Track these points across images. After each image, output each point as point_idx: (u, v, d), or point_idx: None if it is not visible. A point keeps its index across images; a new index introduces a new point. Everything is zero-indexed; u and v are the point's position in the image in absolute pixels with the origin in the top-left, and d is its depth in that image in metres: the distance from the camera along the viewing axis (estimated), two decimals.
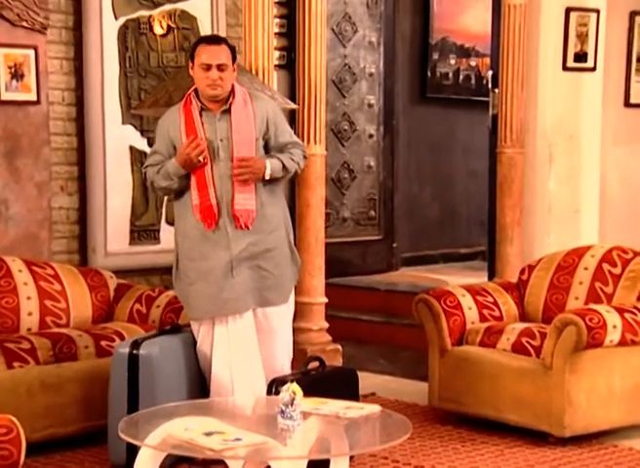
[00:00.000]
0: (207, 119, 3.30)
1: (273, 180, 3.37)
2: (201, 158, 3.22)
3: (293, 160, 3.40)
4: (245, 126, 3.30)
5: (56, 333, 3.70)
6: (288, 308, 3.49)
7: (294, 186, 4.79)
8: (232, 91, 3.33)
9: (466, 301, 4.02)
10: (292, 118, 4.59)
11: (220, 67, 3.26)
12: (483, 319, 4.02)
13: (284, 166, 3.36)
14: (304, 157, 3.47)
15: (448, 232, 7.02)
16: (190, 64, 3.34)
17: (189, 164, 3.25)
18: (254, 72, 4.27)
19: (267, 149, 3.41)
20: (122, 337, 3.69)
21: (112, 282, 4.10)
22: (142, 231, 4.99)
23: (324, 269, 4.66)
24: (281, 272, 3.39)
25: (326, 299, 4.72)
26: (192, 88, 3.36)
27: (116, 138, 4.83)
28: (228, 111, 3.30)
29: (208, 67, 3.26)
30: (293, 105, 4.44)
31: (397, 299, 5.57)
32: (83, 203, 4.78)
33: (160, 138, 3.40)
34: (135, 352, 3.31)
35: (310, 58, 4.55)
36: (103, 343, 3.69)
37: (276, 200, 3.42)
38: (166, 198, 5.03)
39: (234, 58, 3.35)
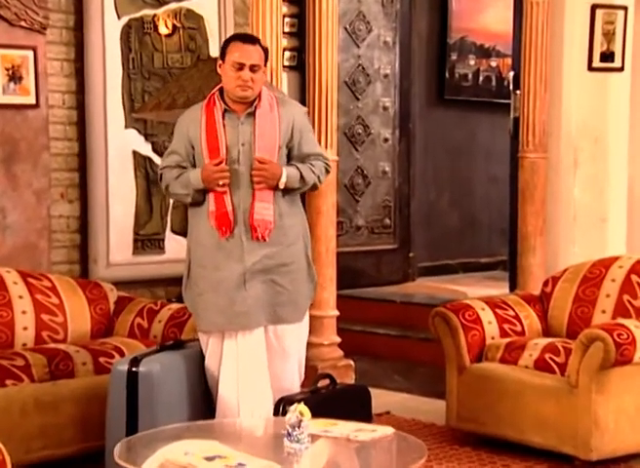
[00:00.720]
0: (229, 121, 3.29)
1: (292, 190, 3.34)
2: (221, 183, 3.22)
3: (313, 172, 3.36)
4: (269, 131, 3.28)
5: (52, 349, 3.67)
6: (302, 327, 3.43)
7: (304, 193, 4.70)
8: (259, 95, 3.31)
9: (486, 315, 3.98)
10: None
11: (253, 68, 3.25)
12: (504, 334, 3.99)
13: (302, 177, 3.33)
14: (327, 170, 3.42)
15: (467, 241, 7.03)
16: (220, 62, 3.31)
17: (209, 184, 3.26)
18: None
19: (289, 158, 3.38)
20: (122, 353, 3.67)
21: (112, 294, 4.08)
22: (146, 240, 4.98)
23: (335, 280, 4.65)
24: (297, 288, 3.35)
25: (337, 312, 4.70)
26: (217, 87, 3.34)
27: (119, 143, 4.84)
28: (253, 115, 3.28)
29: (240, 67, 3.24)
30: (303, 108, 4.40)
31: (413, 312, 5.53)
32: (84, 211, 4.78)
33: (178, 138, 3.37)
34: (134, 369, 3.26)
35: (321, 59, 4.54)
36: (102, 360, 3.65)
37: (295, 211, 3.39)
38: (171, 206, 5.04)
39: (266, 60, 3.34)
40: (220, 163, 3.25)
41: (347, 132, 6.21)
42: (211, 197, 3.28)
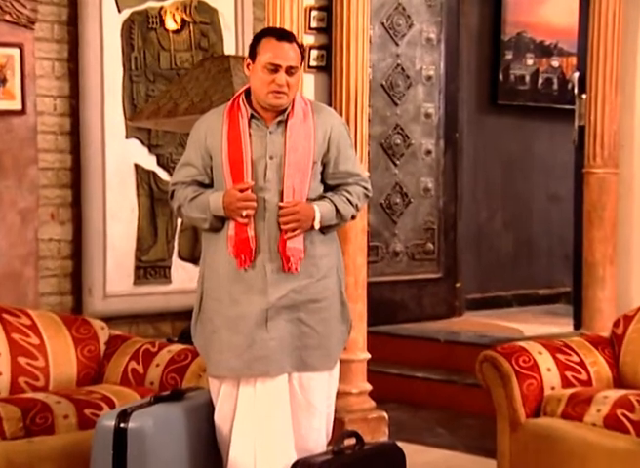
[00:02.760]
0: (256, 130, 3.25)
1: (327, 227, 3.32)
2: (244, 214, 3.19)
3: (351, 203, 3.31)
4: (303, 144, 3.24)
5: (28, 400, 3.59)
6: (332, 377, 3.37)
7: None
8: (292, 101, 3.28)
9: (545, 361, 3.92)
10: None
11: (290, 71, 3.19)
12: (566, 384, 3.92)
13: (338, 211, 3.28)
14: (366, 196, 3.39)
15: (523, 269, 7.00)
16: (248, 62, 3.26)
17: (231, 212, 3.22)
18: None
19: (323, 176, 3.34)
20: (112, 404, 3.59)
21: (103, 333, 4.06)
22: (150, 268, 4.99)
23: (366, 317, 4.62)
24: (327, 330, 3.29)
25: (368, 355, 4.65)
26: (242, 89, 3.32)
27: (119, 156, 4.86)
28: (284, 123, 3.25)
29: (275, 69, 3.18)
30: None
31: (460, 353, 5.49)
32: (78, 234, 4.79)
33: (194, 147, 3.32)
34: (122, 425, 3.17)
35: (349, 59, 4.51)
36: (88, 412, 3.57)
37: (329, 238, 3.34)
38: (178, 228, 5.07)
39: (302, 60, 3.30)
40: (246, 189, 3.20)
41: (384, 143, 6.21)
42: (231, 220, 3.25)
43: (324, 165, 3.29)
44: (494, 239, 6.89)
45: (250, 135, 3.23)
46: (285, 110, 3.24)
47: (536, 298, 6.95)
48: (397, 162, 6.24)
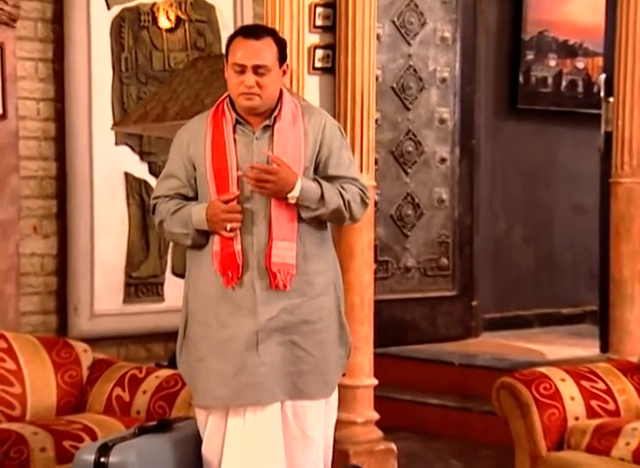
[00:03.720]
0: (242, 136, 3.23)
1: (316, 223, 3.24)
2: (229, 227, 3.15)
3: (342, 196, 3.23)
4: (292, 150, 3.21)
5: (2, 431, 3.55)
6: (329, 405, 3.32)
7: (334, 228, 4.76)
8: (280, 100, 3.24)
9: (568, 388, 3.87)
10: None
11: (259, 70, 3.16)
12: (591, 414, 3.88)
13: (322, 196, 3.19)
14: (363, 200, 3.28)
15: (545, 286, 6.97)
16: (225, 64, 3.26)
17: (214, 225, 3.18)
18: None
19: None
20: (93, 436, 3.57)
21: (86, 357, 4.01)
22: (141, 285, 4.99)
23: (374, 338, 4.56)
24: (324, 354, 3.25)
25: (375, 381, 4.59)
26: (227, 93, 3.30)
27: (107, 163, 4.85)
28: (271, 127, 3.23)
29: (242, 69, 3.17)
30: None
31: (476, 377, 5.44)
32: (62, 248, 4.77)
33: (176, 157, 3.31)
34: (103, 460, 3.11)
35: (355, 59, 4.50)
36: (67, 444, 3.54)
37: (324, 251, 3.29)
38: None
39: (284, 57, 3.24)
40: (231, 200, 3.17)
41: (394, 150, 6.19)
42: (216, 234, 3.21)
43: (315, 168, 3.25)
44: (513, 253, 6.86)
45: (235, 141, 3.21)
46: (272, 114, 3.22)
47: (559, 318, 6.93)
48: (409, 171, 6.23)
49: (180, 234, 3.24)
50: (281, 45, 3.23)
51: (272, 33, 3.26)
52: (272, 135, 3.20)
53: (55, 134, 4.72)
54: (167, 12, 4.97)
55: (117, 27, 4.84)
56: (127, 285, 4.90)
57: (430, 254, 6.33)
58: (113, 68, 4.82)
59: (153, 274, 4.97)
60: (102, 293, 4.79)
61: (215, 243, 3.18)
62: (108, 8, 4.82)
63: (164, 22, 4.96)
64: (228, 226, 3.15)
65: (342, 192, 3.23)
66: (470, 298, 6.47)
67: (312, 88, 4.81)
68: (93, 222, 4.76)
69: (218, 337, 3.18)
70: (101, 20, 4.77)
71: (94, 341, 4.68)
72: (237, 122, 3.22)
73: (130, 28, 4.87)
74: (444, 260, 6.37)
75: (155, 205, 3.30)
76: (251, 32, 3.23)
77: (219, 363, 3.16)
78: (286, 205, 3.16)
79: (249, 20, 5.14)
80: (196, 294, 3.24)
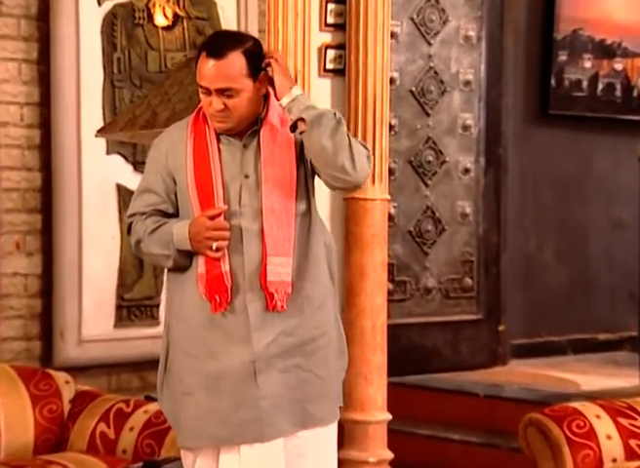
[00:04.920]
0: (227, 145, 3.21)
1: (303, 224, 3.18)
2: (214, 246, 3.11)
3: (343, 132, 3.11)
4: (281, 157, 3.19)
5: None
6: (334, 428, 3.30)
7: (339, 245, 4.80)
8: (267, 105, 3.22)
9: (604, 426, 3.92)
10: None
11: (225, 93, 3.12)
12: (630, 455, 3.92)
13: (321, 115, 3.09)
14: (366, 155, 3.17)
15: (580, 309, 6.95)
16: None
17: (198, 244, 3.14)
18: None
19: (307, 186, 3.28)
20: None
21: (68, 389, 4.03)
22: (134, 307, 5.00)
23: (386, 370, 4.52)
24: (328, 372, 3.24)
25: (388, 416, 4.55)
26: None
27: (98, 174, 4.86)
28: (257, 134, 3.21)
29: (207, 91, 3.15)
30: None
31: (503, 410, 5.41)
32: (48, 267, 4.79)
33: (153, 169, 3.28)
34: None
35: (367, 60, 4.50)
36: None
37: (315, 254, 3.24)
38: None
39: (258, 68, 3.16)
40: (217, 216, 3.13)
41: (413, 159, 6.18)
42: (200, 255, 3.17)
43: (314, 168, 3.18)
44: (544, 273, 6.82)
45: (219, 150, 3.17)
46: (258, 117, 3.18)
47: (594, 345, 6.91)
48: (429, 182, 6.21)
49: (161, 255, 3.20)
50: (253, 56, 3.15)
51: (240, 45, 3.15)
52: (259, 142, 3.17)
53: (40, 141, 4.75)
54: (163, 8, 5.00)
55: (109, 25, 4.86)
56: (118, 307, 4.91)
57: (453, 274, 6.30)
58: (104, 70, 4.84)
59: (148, 295, 4.98)
60: (92, 317, 4.79)
61: (199, 265, 3.14)
62: (99, 4, 4.84)
63: (160, 20, 4.99)
64: (214, 245, 3.10)
65: (343, 129, 3.14)
66: (497, 323, 6.45)
67: (323, 91, 4.85)
68: (81, 239, 4.76)
69: (207, 370, 3.14)
70: (92, 17, 4.79)
71: (82, 370, 4.71)
72: None
73: (123, 26, 4.89)
74: (468, 281, 6.35)
75: (131, 223, 3.27)
76: (213, 50, 3.15)
77: (210, 398, 3.12)
78: (278, 218, 3.12)
79: (253, 18, 5.18)
80: (180, 323, 3.20)
